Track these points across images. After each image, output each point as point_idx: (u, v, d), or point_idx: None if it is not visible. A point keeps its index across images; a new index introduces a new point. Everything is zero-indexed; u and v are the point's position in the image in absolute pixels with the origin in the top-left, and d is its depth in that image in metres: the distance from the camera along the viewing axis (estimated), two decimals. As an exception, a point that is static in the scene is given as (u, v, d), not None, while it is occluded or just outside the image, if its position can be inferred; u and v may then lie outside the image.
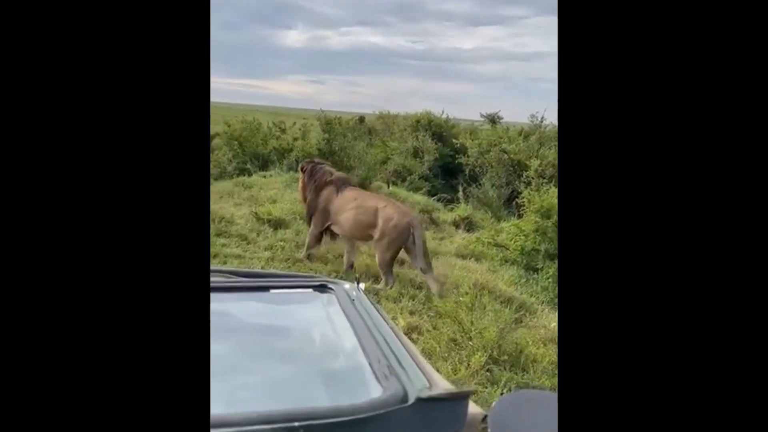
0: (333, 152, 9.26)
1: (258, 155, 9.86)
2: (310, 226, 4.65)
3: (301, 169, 4.81)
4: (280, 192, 7.32)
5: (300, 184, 4.82)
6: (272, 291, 1.13)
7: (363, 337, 0.89)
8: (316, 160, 5.13)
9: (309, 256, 4.62)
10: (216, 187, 7.63)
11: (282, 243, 5.06)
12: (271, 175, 8.85)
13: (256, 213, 5.65)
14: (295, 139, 10.67)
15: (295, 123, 19.23)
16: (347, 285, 1.15)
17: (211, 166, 10.26)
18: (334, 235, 4.57)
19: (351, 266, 4.52)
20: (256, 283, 1.15)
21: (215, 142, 12.41)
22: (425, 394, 0.69)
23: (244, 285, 1.15)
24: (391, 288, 4.05)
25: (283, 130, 14.61)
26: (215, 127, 16.70)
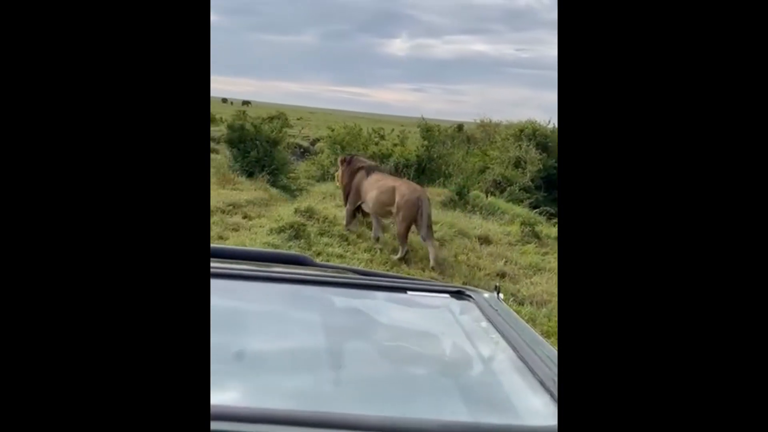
0: (431, 159, 9.23)
1: (358, 159, 10.15)
2: (346, 205, 5.50)
3: (340, 162, 5.75)
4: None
5: (339, 173, 5.71)
6: (409, 293, 1.09)
7: (522, 351, 0.80)
8: (353, 153, 6.19)
9: (378, 239, 5.32)
10: (319, 188, 7.98)
11: (380, 246, 5.10)
12: (370, 179, 9.05)
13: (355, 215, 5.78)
14: (395, 145, 10.81)
15: (393, 130, 19.59)
16: (486, 294, 1.08)
17: (314, 167, 10.77)
18: (365, 214, 5.41)
19: (378, 239, 5.30)
20: (393, 283, 1.12)
21: (318, 146, 13.06)
22: None
23: (382, 283, 1.13)
24: (401, 256, 4.77)
25: (383, 137, 14.94)
26: (319, 131, 17.60)
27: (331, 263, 2.43)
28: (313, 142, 14.46)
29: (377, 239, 5.27)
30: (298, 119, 22.28)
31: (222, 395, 0.66)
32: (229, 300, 1.10)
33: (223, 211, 5.89)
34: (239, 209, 6.19)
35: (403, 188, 4.91)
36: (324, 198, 7.08)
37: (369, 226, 5.59)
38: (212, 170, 8.74)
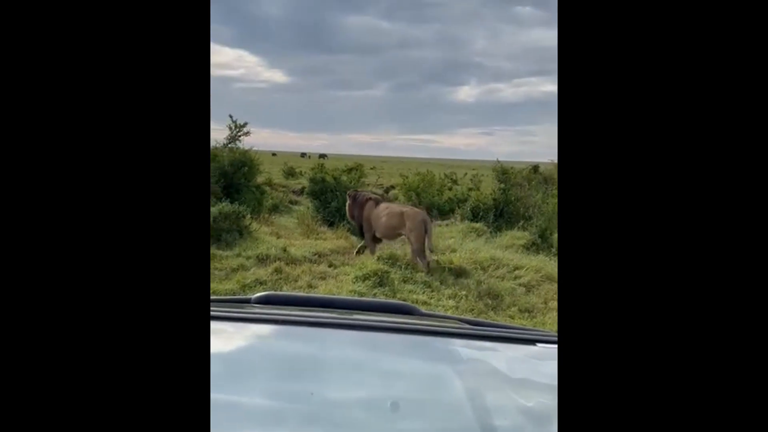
0: (509, 202, 9.07)
1: (433, 205, 10.23)
2: (361, 235, 6.54)
3: (348, 196, 6.81)
4: (458, 241, 7.39)
5: (347, 207, 6.74)
6: (539, 345, 1.03)
7: None
8: (359, 190, 7.45)
9: (375, 255, 6.16)
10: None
11: (465, 293, 5.04)
12: (447, 225, 9.05)
13: (437, 261, 5.78)
14: (470, 189, 10.80)
15: (466, 174, 19.55)
16: None
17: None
18: (377, 239, 6.36)
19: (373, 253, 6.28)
20: (521, 335, 1.08)
21: (392, 193, 13.34)
22: None
23: (506, 335, 1.07)
24: (427, 272, 5.54)
25: (455, 181, 14.95)
26: (392, 179, 18.01)
27: (438, 312, 2.43)
28: (387, 190, 14.83)
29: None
30: (371, 168, 23.03)
31: None
32: (339, 350, 1.08)
33: (310, 261, 6.15)
34: (324, 258, 6.43)
35: (410, 213, 5.94)
36: (403, 244, 7.18)
37: (452, 272, 5.56)
38: (296, 221, 9.23)
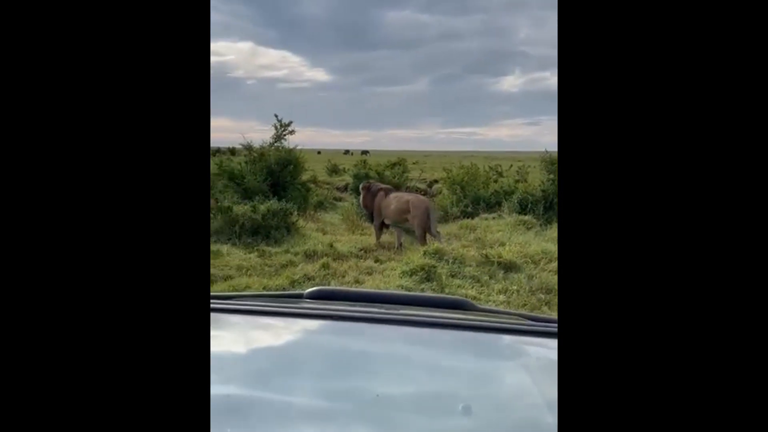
0: (559, 193, 8.71)
1: (479, 198, 10.01)
2: (372, 222, 7.26)
3: (362, 188, 7.43)
4: (507, 234, 7.18)
5: (362, 198, 7.36)
6: None
7: None
8: (371, 181, 7.96)
9: (401, 245, 6.90)
10: (443, 230, 7.99)
11: (516, 287, 4.88)
12: (493, 218, 8.84)
13: (486, 255, 5.64)
14: (516, 181, 10.50)
15: (512, 165, 19.11)
16: None
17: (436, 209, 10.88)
18: (386, 226, 7.02)
19: (400, 245, 6.88)
20: None
21: (435, 187, 13.20)
22: None
23: None
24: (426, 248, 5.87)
25: (500, 173, 14.61)
26: (435, 173, 17.87)
27: (493, 308, 2.35)
28: (431, 184, 14.69)
29: (400, 245, 6.85)
30: (414, 163, 22.95)
31: None
32: (392, 346, 1.07)
33: (356, 256, 6.17)
34: (370, 253, 6.44)
35: (415, 201, 6.59)
36: (449, 238, 7.06)
37: (501, 266, 5.41)
38: (341, 217, 9.32)
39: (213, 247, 6.08)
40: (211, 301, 1.25)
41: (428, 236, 6.50)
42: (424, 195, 8.33)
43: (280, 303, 1.24)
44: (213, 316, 1.18)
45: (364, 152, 46.26)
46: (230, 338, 1.14)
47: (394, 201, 6.78)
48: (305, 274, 5.23)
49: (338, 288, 2.04)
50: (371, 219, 7.32)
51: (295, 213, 7.55)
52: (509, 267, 5.44)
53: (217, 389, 0.83)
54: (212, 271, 5.27)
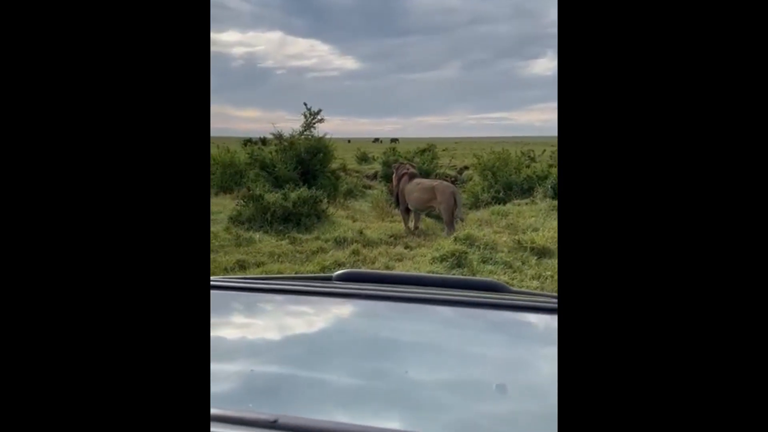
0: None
1: (510, 184, 9.80)
2: (398, 207, 7.33)
3: (395, 169, 7.52)
4: (541, 219, 7.02)
5: (394, 178, 7.40)
6: None
7: None
8: (401, 161, 8.40)
9: (417, 227, 7.01)
10: (473, 216, 7.88)
11: (549, 273, 4.76)
12: (526, 204, 8.65)
13: (519, 241, 5.53)
14: (550, 166, 10.23)
15: (545, 151, 18.63)
16: None
17: (465, 195, 10.76)
18: (409, 211, 6.99)
19: (417, 227, 7.00)
20: None
21: (465, 174, 13.02)
22: None
23: None
24: (448, 235, 6.08)
25: (533, 159, 14.25)
26: (465, 160, 17.62)
27: (527, 290, 2.30)
28: (461, 171, 14.49)
29: (417, 227, 6.99)
30: (443, 150, 22.71)
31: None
32: (423, 325, 1.06)
33: (386, 243, 6.17)
34: (400, 240, 6.42)
35: (441, 187, 6.52)
36: (480, 225, 6.95)
37: (534, 252, 5.29)
38: (370, 205, 9.33)
39: (246, 235, 6.20)
40: (243, 281, 1.26)
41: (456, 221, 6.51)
42: (453, 182, 8.23)
43: (310, 283, 1.24)
44: (244, 295, 1.19)
45: (394, 140, 46.11)
46: (262, 318, 1.15)
47: (416, 187, 6.70)
48: (336, 261, 5.27)
49: (366, 270, 2.05)
50: (397, 203, 7.26)
51: (325, 201, 7.61)
52: (542, 252, 5.32)
53: (245, 365, 0.84)
54: (245, 257, 5.37)
